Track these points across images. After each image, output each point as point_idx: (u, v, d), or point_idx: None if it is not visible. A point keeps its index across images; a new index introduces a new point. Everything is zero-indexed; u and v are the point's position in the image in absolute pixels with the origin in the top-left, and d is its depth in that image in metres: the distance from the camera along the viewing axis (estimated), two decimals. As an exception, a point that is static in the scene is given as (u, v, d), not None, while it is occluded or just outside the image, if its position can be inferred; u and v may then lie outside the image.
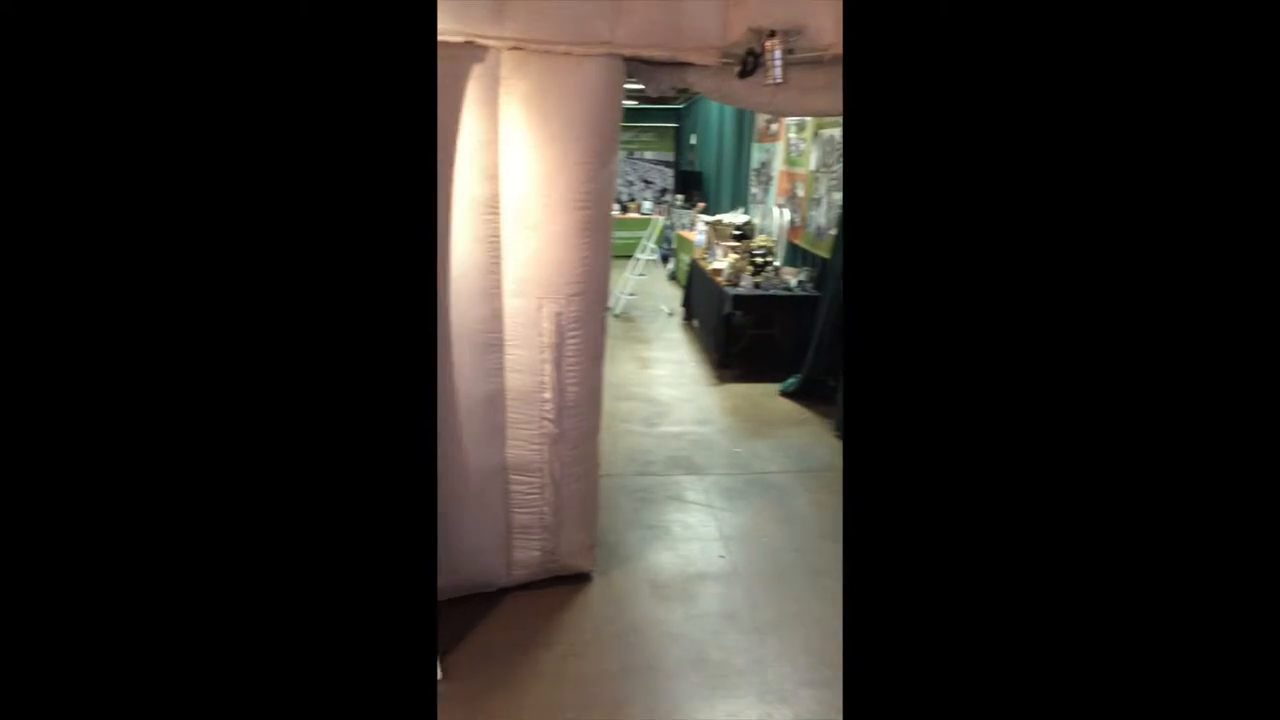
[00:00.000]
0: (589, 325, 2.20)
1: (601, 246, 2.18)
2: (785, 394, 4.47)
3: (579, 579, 2.51)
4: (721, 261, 5.27)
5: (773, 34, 1.94)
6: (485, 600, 2.34)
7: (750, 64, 1.99)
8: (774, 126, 5.94)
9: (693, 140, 9.75)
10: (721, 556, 2.74)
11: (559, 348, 2.16)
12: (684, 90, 2.34)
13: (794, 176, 5.34)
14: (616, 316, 6.37)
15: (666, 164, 10.79)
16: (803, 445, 3.78)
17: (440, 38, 1.86)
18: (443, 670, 2.02)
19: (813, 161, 4.92)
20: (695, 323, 5.93)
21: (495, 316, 2.11)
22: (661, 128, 10.55)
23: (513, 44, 1.95)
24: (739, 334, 4.90)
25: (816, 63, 2.00)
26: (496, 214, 2.05)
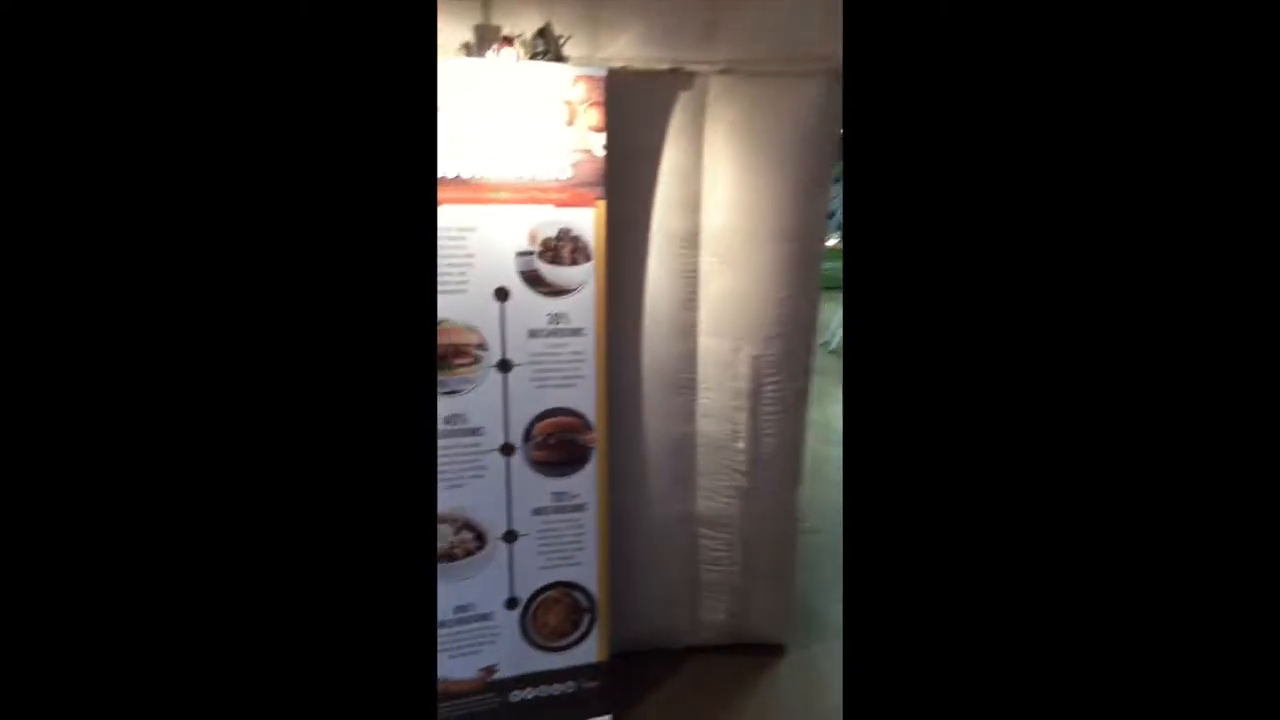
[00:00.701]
0: (791, 371, 1.98)
1: (809, 285, 1.95)
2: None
3: (771, 650, 2.25)
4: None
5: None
6: (667, 659, 2.19)
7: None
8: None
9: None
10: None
11: (755, 394, 1.96)
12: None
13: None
14: (831, 352, 5.98)
15: (897, 190, 10.11)
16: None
17: (644, 66, 1.79)
18: (615, 732, 1.90)
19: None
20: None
21: (688, 357, 1.97)
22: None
23: (723, 67, 1.83)
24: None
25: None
26: (696, 248, 1.92)
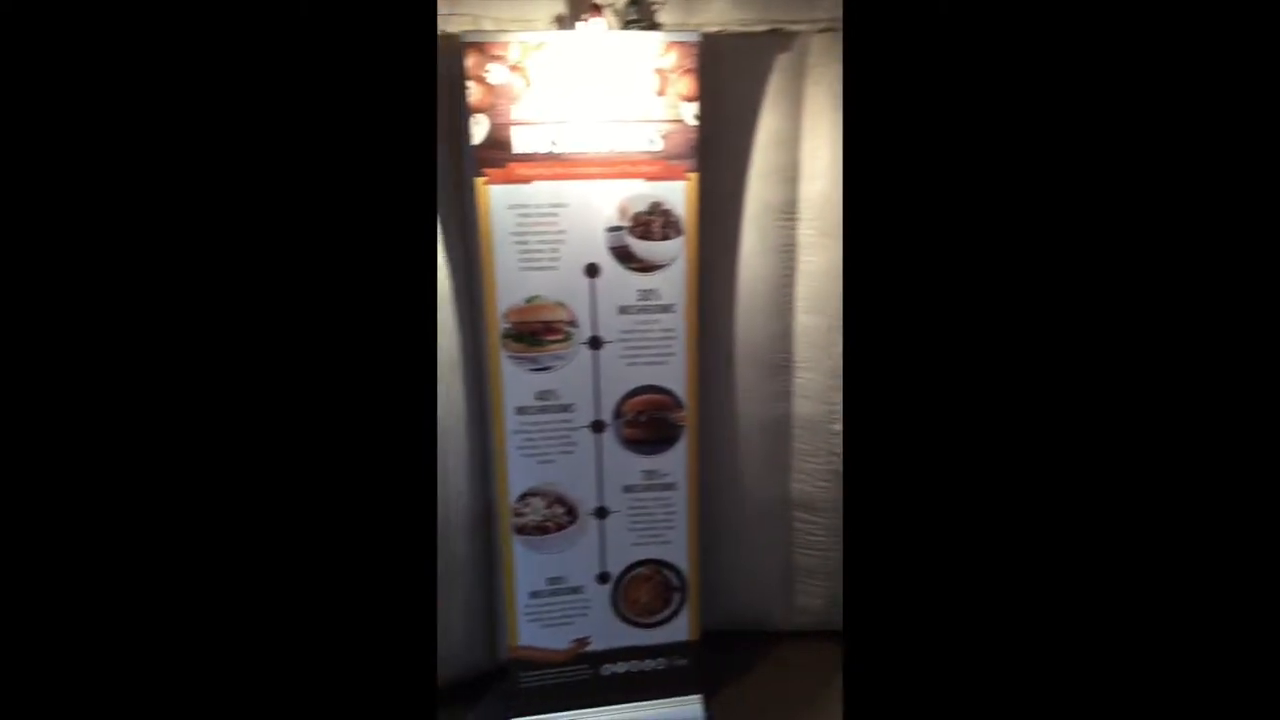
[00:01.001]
0: (896, 349, 1.86)
1: (917, 256, 1.82)
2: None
3: (868, 639, 2.17)
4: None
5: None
6: (761, 641, 2.15)
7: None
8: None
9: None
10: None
11: (856, 374, 1.86)
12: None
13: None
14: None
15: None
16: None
17: (740, 29, 1.71)
18: (706, 712, 1.89)
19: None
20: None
21: (784, 335, 1.90)
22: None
23: (824, 26, 1.72)
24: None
25: None
26: (793, 220, 1.84)
